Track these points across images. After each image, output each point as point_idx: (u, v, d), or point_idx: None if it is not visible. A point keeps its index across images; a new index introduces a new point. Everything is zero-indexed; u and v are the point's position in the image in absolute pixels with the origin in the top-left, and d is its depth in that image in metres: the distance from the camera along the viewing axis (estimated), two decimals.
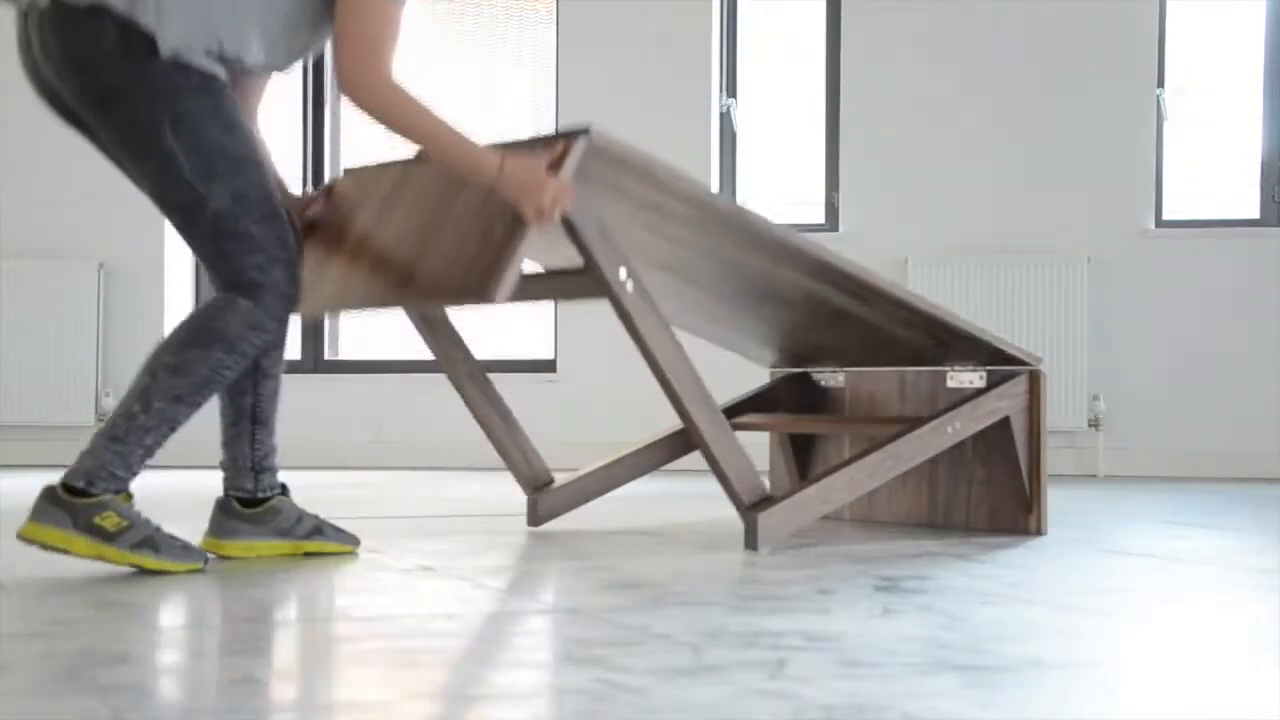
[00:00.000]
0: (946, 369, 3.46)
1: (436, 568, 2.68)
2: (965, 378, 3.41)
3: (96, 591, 2.36)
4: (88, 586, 2.43)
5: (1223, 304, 5.78)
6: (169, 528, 2.63)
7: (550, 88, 6.24)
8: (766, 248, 3.05)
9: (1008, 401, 3.32)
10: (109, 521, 2.56)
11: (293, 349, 6.35)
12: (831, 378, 3.76)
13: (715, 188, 6.18)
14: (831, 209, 6.11)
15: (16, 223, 6.36)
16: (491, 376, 6.21)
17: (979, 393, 3.30)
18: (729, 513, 3.84)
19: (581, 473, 3.55)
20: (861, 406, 3.70)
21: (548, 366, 6.26)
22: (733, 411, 3.71)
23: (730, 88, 6.20)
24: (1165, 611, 2.22)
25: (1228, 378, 5.75)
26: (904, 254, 5.94)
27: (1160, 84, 5.84)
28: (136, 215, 6.40)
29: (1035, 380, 3.35)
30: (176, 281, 6.44)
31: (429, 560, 2.79)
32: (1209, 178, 5.95)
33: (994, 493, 3.42)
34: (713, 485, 4.96)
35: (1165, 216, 5.91)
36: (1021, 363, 3.34)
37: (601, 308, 6.39)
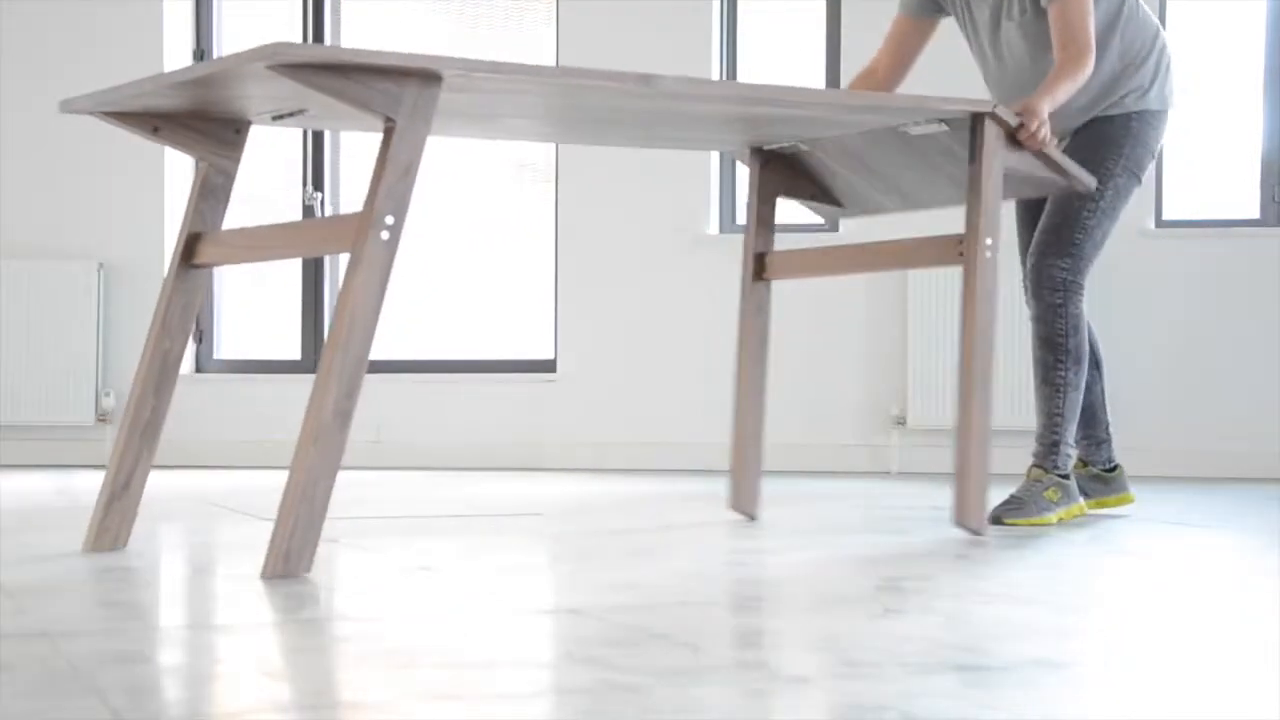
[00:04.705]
0: (903, 124, 3.41)
1: (436, 568, 2.68)
2: (928, 128, 3.39)
3: (97, 591, 2.37)
4: (88, 586, 2.43)
5: (1223, 304, 5.77)
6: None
7: None
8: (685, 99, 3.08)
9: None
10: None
11: (292, 349, 6.35)
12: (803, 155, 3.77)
13: (715, 187, 6.19)
14: None
15: (16, 223, 6.36)
16: (491, 376, 6.24)
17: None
18: (728, 514, 3.84)
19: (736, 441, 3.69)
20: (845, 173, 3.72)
21: (548, 366, 6.26)
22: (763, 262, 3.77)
23: None
24: (1165, 611, 2.22)
25: (1228, 378, 5.75)
26: None
27: None
28: (136, 215, 6.42)
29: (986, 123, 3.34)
30: None
31: (429, 560, 2.79)
32: (1209, 178, 5.95)
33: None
34: (711, 485, 4.95)
35: (1165, 216, 5.91)
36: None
37: (601, 309, 6.37)
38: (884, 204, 3.86)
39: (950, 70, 4.99)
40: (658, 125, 3.38)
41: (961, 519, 3.24)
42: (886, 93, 3.24)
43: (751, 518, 3.69)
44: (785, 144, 3.72)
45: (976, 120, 3.36)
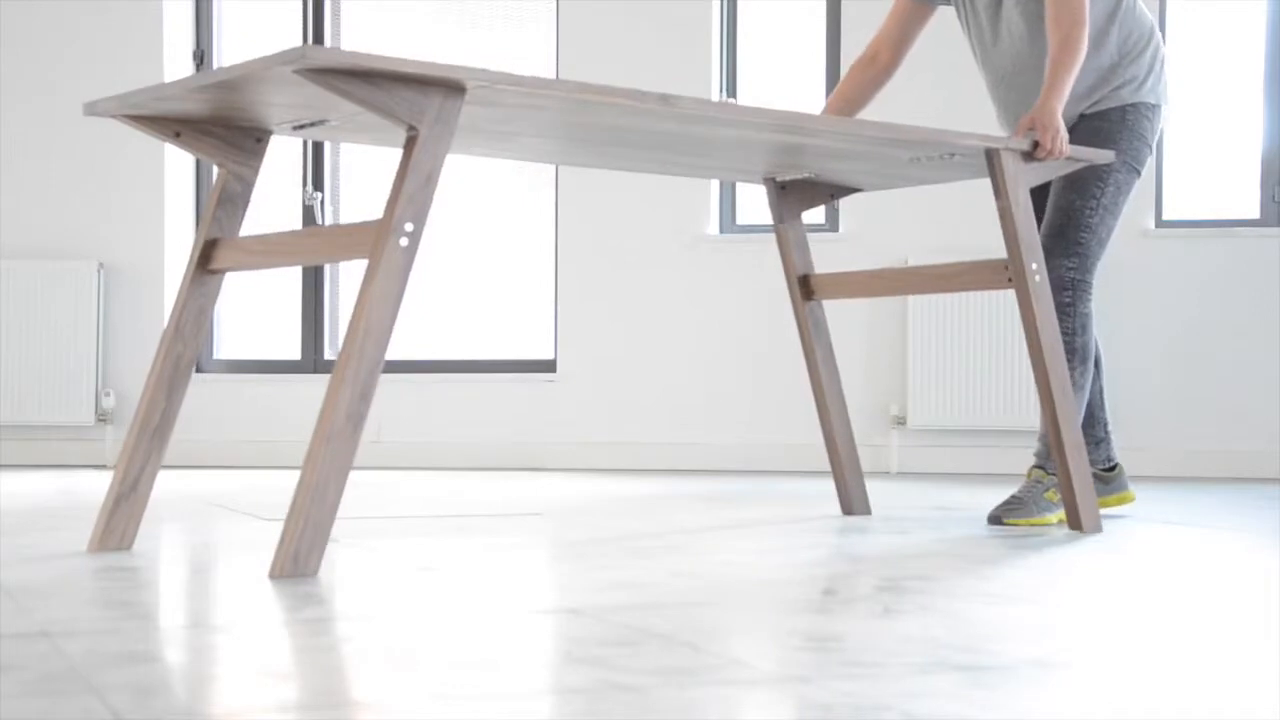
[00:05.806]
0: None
1: (437, 568, 2.68)
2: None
3: (98, 591, 2.37)
4: (89, 586, 2.43)
5: (1223, 304, 5.78)
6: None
7: None
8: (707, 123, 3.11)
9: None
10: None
11: (292, 349, 6.35)
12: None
13: (715, 187, 6.19)
14: (831, 209, 6.11)
15: (16, 223, 6.36)
16: (491, 376, 6.24)
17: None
18: (728, 514, 3.84)
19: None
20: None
21: (548, 366, 6.26)
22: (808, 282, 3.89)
23: (730, 88, 6.19)
24: (1165, 611, 2.22)
25: (1228, 378, 5.76)
26: (904, 254, 5.95)
27: None
28: (136, 215, 6.42)
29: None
30: (176, 281, 6.44)
31: (429, 560, 2.79)
32: (1209, 178, 5.95)
33: None
34: (711, 485, 4.96)
35: (1165, 216, 5.91)
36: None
37: (601, 309, 6.37)
38: (899, 181, 3.90)
39: (952, 73, 5.00)
40: (675, 150, 3.39)
41: (1076, 526, 3.47)
42: (909, 126, 3.26)
43: (868, 514, 3.91)
44: (803, 176, 3.76)
45: (992, 154, 3.38)
